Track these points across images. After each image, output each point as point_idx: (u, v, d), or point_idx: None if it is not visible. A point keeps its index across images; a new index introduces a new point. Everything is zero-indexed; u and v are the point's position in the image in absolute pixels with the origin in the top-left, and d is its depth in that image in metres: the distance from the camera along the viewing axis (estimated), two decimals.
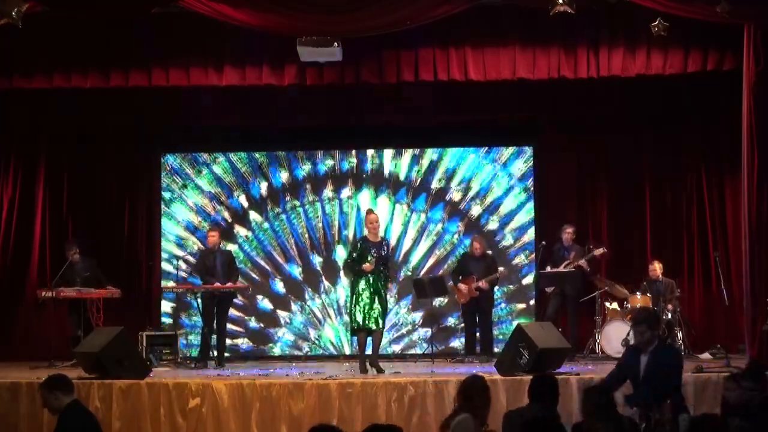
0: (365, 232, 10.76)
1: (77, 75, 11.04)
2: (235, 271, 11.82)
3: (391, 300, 12.81)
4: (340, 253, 13.09)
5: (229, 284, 11.52)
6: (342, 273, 12.62)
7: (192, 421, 9.35)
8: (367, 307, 10.34)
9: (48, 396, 6.59)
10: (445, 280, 11.93)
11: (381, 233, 10.92)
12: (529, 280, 13.00)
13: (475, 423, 6.05)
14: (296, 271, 13.23)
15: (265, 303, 13.19)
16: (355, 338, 10.79)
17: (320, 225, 13.26)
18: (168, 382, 9.54)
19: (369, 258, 10.35)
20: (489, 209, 13.17)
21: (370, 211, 11.03)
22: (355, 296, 10.41)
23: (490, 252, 12.30)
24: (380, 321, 10.38)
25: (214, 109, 12.57)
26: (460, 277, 11.89)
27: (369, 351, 10.62)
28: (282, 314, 13.17)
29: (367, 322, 10.33)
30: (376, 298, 10.34)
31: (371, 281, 10.37)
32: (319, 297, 13.18)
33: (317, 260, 13.24)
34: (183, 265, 12.56)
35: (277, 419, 9.33)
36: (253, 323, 13.13)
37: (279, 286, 13.22)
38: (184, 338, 12.70)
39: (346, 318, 13.02)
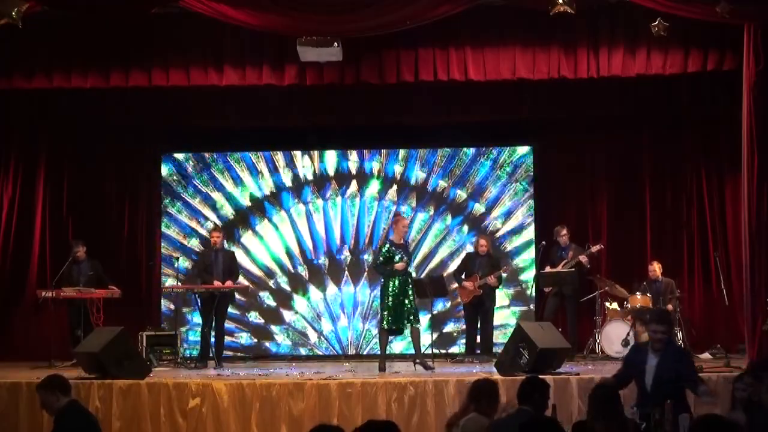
0: (392, 235, 10.95)
1: (77, 75, 11.05)
2: (236, 271, 11.83)
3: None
4: (344, 253, 13.19)
5: (228, 283, 11.54)
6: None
7: (192, 421, 9.35)
8: (399, 308, 10.51)
9: (49, 396, 6.59)
10: (446, 280, 11.93)
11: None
12: (529, 279, 12.99)
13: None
14: (297, 270, 13.23)
15: (267, 302, 13.19)
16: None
17: (321, 225, 13.26)
18: (168, 382, 9.54)
19: (397, 259, 10.57)
20: (489, 209, 13.17)
21: (402, 216, 11.25)
22: (386, 297, 10.58)
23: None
24: (414, 319, 10.58)
25: (214, 109, 12.57)
26: (463, 276, 11.90)
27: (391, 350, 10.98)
28: (283, 314, 13.17)
29: (399, 322, 10.53)
30: (407, 299, 10.53)
31: (401, 282, 10.54)
32: (320, 297, 13.18)
33: (319, 260, 13.24)
34: (183, 265, 12.56)
35: (277, 419, 9.33)
36: (254, 321, 13.14)
37: (280, 286, 13.22)
38: (186, 331, 12.78)
39: (346, 318, 13.10)
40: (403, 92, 12.19)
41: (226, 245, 12.16)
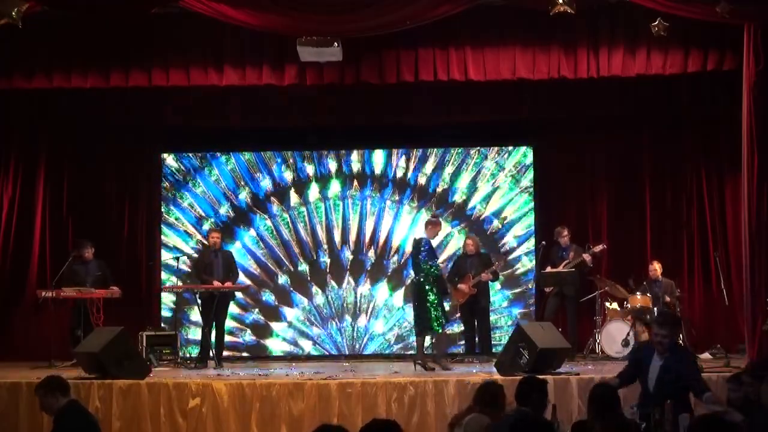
0: (426, 235, 10.94)
1: (77, 75, 11.04)
2: (235, 271, 11.83)
3: (393, 300, 12.96)
4: (345, 254, 13.21)
5: (228, 284, 11.54)
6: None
7: (192, 421, 9.35)
8: (433, 310, 10.56)
9: (48, 397, 6.59)
10: (446, 281, 11.91)
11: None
12: (529, 280, 12.99)
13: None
14: (296, 270, 13.23)
15: (265, 302, 13.19)
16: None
17: (320, 225, 13.26)
18: (168, 382, 9.54)
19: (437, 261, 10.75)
20: (489, 209, 13.17)
21: (438, 219, 11.40)
22: (430, 297, 10.60)
23: (483, 250, 12.30)
24: (444, 323, 10.74)
25: (214, 109, 12.57)
26: (457, 278, 11.89)
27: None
28: (282, 314, 13.17)
29: (434, 323, 10.57)
30: (442, 301, 10.66)
31: (437, 284, 10.62)
32: (319, 297, 13.18)
33: (318, 260, 13.25)
34: (184, 264, 12.56)
35: (277, 419, 9.33)
36: (253, 321, 13.14)
37: (280, 286, 13.22)
38: (185, 333, 12.80)
39: (346, 318, 13.10)
40: (403, 92, 12.18)
41: (223, 245, 12.12)
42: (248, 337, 13.13)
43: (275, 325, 13.15)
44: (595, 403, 5.92)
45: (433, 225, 11.03)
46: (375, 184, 13.30)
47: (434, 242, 11.19)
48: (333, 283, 13.20)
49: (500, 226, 13.15)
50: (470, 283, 11.67)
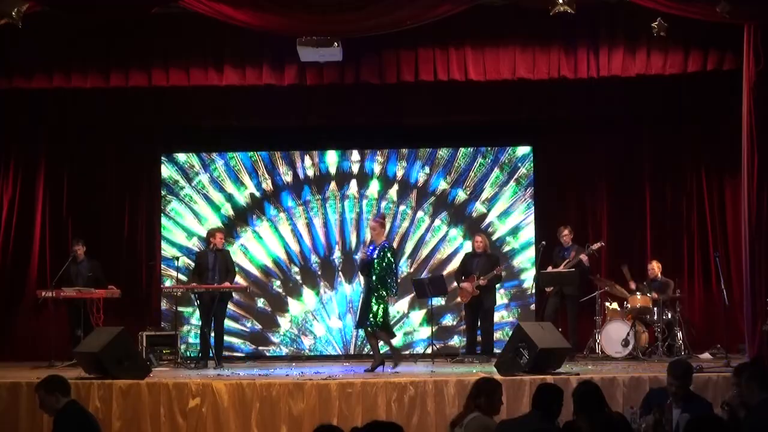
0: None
1: (77, 75, 11.06)
2: (232, 270, 11.81)
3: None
4: (339, 253, 13.20)
5: (226, 284, 11.52)
6: None
7: (192, 421, 9.35)
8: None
9: (48, 397, 6.57)
10: (445, 280, 11.92)
11: (379, 237, 10.91)
12: (529, 280, 13.00)
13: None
14: (297, 270, 13.23)
15: (265, 302, 13.20)
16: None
17: (320, 225, 13.27)
18: (168, 382, 9.53)
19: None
20: (489, 209, 13.17)
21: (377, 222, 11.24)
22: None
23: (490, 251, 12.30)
24: (369, 322, 10.58)
25: (214, 109, 12.57)
26: (463, 277, 11.89)
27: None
28: (282, 313, 13.17)
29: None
30: (367, 300, 10.63)
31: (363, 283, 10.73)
32: (319, 296, 13.19)
33: (318, 260, 13.25)
34: (183, 264, 12.56)
35: (277, 419, 9.33)
36: (253, 322, 13.14)
37: (280, 286, 13.22)
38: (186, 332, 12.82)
39: (347, 318, 13.11)
40: (403, 92, 12.19)
41: (221, 245, 12.09)
42: (247, 338, 13.12)
43: (274, 326, 13.16)
44: (578, 399, 5.91)
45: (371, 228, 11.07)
46: (373, 185, 13.29)
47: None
48: (332, 283, 13.20)
49: (500, 226, 13.15)
50: (474, 283, 11.66)
